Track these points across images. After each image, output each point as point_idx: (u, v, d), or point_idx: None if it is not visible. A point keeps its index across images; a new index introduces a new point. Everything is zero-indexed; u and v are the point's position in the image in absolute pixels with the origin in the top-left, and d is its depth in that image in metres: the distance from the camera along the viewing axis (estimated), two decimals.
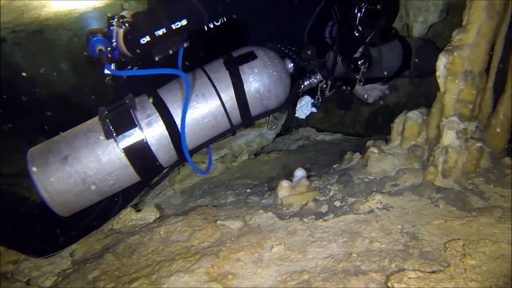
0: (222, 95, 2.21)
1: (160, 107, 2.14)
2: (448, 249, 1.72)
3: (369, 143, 2.70)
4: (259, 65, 2.27)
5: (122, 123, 2.07)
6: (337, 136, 4.20)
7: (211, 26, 2.32)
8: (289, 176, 2.54)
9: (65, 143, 2.08)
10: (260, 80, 2.25)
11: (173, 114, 2.15)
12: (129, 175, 2.14)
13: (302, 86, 2.54)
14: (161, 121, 2.12)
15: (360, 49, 2.69)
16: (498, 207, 1.96)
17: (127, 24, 2.19)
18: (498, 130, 2.32)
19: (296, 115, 2.74)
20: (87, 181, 2.05)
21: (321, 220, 2.12)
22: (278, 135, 4.42)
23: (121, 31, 2.19)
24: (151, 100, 2.16)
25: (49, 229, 2.30)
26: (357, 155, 2.78)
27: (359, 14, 2.43)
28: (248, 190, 2.90)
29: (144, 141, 2.09)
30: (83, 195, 2.09)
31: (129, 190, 2.34)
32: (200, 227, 2.29)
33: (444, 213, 2.00)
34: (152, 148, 2.11)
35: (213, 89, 2.20)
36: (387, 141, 2.72)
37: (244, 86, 2.23)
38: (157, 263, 2.07)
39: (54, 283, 2.16)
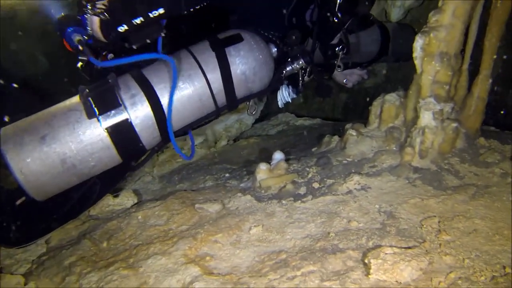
0: (208, 76, 2.18)
1: (145, 87, 2.09)
2: (424, 226, 1.74)
3: (347, 126, 2.70)
4: (245, 47, 2.26)
5: (106, 102, 2.00)
6: (316, 121, 4.21)
7: (191, 10, 2.27)
8: (268, 160, 2.53)
9: (43, 122, 1.98)
10: (246, 63, 2.24)
11: (159, 94, 2.09)
12: (111, 156, 2.07)
13: (285, 71, 2.54)
14: (146, 101, 2.06)
15: (338, 35, 2.69)
16: (472, 185, 1.99)
17: (104, 12, 2.11)
18: (473, 111, 2.35)
19: (278, 101, 2.75)
20: (67, 162, 1.96)
21: (300, 201, 2.12)
22: (257, 121, 4.40)
23: (96, 19, 2.12)
24: (135, 80, 2.10)
25: (24, 218, 2.24)
26: (336, 138, 2.79)
27: (339, 1, 2.42)
28: (227, 175, 2.88)
29: (129, 121, 2.03)
30: (61, 177, 2.00)
31: (109, 178, 2.29)
32: (178, 211, 2.27)
33: (421, 192, 2.02)
34: (136, 128, 2.06)
35: (199, 69, 2.17)
36: (365, 124, 2.73)
37: (230, 68, 2.22)
38: (134, 247, 2.04)
39: (28, 270, 2.11)
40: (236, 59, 2.23)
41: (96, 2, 2.15)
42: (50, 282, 1.96)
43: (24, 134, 1.94)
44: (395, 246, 1.58)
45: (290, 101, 2.84)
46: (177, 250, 1.89)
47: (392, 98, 2.59)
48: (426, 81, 2.30)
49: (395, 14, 3.81)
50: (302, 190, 2.25)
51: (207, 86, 2.18)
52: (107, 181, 2.44)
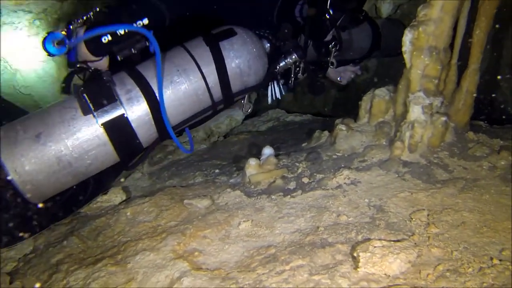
0: (204, 70, 2.16)
1: (140, 82, 2.06)
2: (413, 219, 1.74)
3: (337, 121, 2.70)
4: (238, 41, 2.25)
5: (101, 97, 1.96)
6: (307, 117, 4.20)
7: (176, 19, 2.26)
8: (257, 155, 2.52)
9: (37, 120, 1.94)
10: (241, 56, 2.23)
11: (155, 90, 2.06)
12: (107, 154, 2.03)
13: (278, 66, 2.54)
14: (142, 96, 2.03)
15: (331, 32, 2.68)
16: (461, 179, 1.99)
17: (87, 24, 2.08)
18: (462, 105, 2.36)
19: (268, 97, 2.74)
20: (62, 160, 1.91)
21: (289, 196, 2.11)
22: (247, 117, 4.38)
23: (81, 30, 2.09)
24: (130, 76, 2.07)
25: (11, 219, 2.21)
26: (326, 133, 2.78)
27: None
28: (217, 171, 2.87)
29: (125, 116, 1.99)
30: (57, 177, 1.95)
31: (102, 177, 2.26)
32: (167, 207, 2.25)
33: (410, 186, 2.02)
34: (133, 124, 2.02)
35: (194, 64, 2.15)
36: (355, 119, 2.73)
37: (225, 61, 2.20)
38: (123, 244, 2.02)
39: (14, 269, 2.08)
40: (230, 52, 2.22)
41: (81, 18, 2.12)
42: (37, 280, 1.93)
43: (18, 133, 1.89)
44: (384, 240, 1.58)
45: (280, 98, 2.84)
46: (166, 246, 1.88)
47: (381, 93, 2.59)
48: (416, 75, 2.30)
49: (386, 9, 3.82)
50: (292, 185, 2.24)
51: (202, 80, 2.16)
52: (100, 181, 2.41)
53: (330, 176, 2.20)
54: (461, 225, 1.65)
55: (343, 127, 2.55)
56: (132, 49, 2.09)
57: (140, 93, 2.04)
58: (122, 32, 2.04)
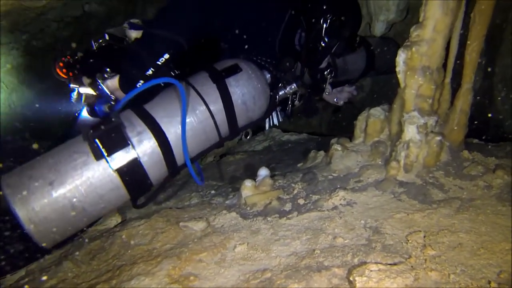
0: (212, 108, 2.17)
1: (149, 122, 2.06)
2: (410, 241, 1.72)
3: (333, 140, 2.71)
4: (244, 77, 2.27)
5: (113, 142, 1.95)
6: (303, 136, 4.21)
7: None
8: (253, 176, 2.51)
9: (48, 167, 1.90)
10: (247, 93, 2.26)
11: (164, 129, 2.07)
12: (120, 196, 2.02)
13: (278, 96, 2.57)
14: (153, 137, 2.03)
15: (326, 59, 2.72)
16: (457, 199, 1.99)
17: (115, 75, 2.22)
18: (456, 124, 2.37)
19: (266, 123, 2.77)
20: (77, 207, 1.89)
21: (285, 218, 2.10)
22: None
23: (113, 81, 2.20)
24: (138, 116, 2.09)
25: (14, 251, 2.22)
26: (321, 153, 2.78)
27: (324, 25, 2.46)
28: (213, 191, 2.86)
29: (138, 160, 1.99)
30: (72, 222, 1.94)
31: None
32: (162, 229, 2.23)
33: (406, 206, 2.01)
34: (145, 166, 2.02)
35: (202, 102, 2.16)
36: (351, 139, 2.74)
37: (232, 99, 2.23)
38: (118, 268, 2.00)
39: None
40: (236, 89, 2.24)
41: (105, 74, 2.24)
42: None
43: (30, 182, 1.85)
44: (380, 263, 1.57)
45: (278, 124, 2.87)
46: (161, 270, 1.85)
47: (377, 112, 2.60)
48: (410, 95, 2.31)
49: (379, 28, 3.85)
50: (288, 207, 2.23)
51: (211, 118, 2.18)
52: None
53: (326, 197, 2.19)
54: (458, 246, 1.64)
55: (339, 147, 2.55)
56: (162, 83, 2.18)
57: (150, 135, 2.03)
58: (150, 72, 2.16)
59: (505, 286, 1.39)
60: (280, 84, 2.60)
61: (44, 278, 2.06)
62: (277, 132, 4.42)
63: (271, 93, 2.50)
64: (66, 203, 1.87)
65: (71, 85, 2.55)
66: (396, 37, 4.01)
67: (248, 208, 2.31)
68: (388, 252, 1.67)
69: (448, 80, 2.40)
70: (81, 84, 2.42)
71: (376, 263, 1.57)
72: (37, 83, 4.92)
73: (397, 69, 2.33)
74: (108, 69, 2.26)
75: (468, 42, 2.29)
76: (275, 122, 2.79)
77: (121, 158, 1.94)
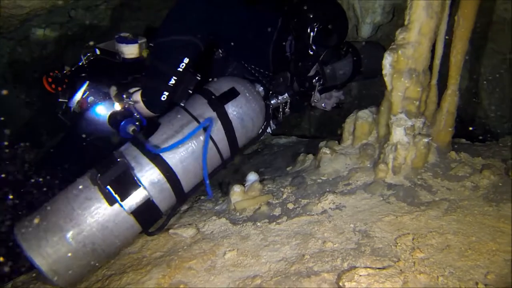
0: (214, 137, 2.19)
1: (155, 159, 2.05)
2: (399, 244, 1.73)
3: (321, 144, 2.71)
4: (242, 101, 2.28)
5: (124, 186, 1.96)
6: (292, 139, 4.20)
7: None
8: (242, 181, 2.51)
9: (63, 217, 1.92)
10: (246, 116, 2.28)
11: (170, 163, 2.07)
12: (134, 231, 2.08)
13: (271, 106, 2.61)
14: (161, 174, 2.04)
15: (314, 67, 2.74)
16: (445, 200, 2.00)
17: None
18: (443, 125, 2.39)
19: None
20: (96, 250, 1.94)
21: (274, 223, 2.10)
22: None
23: (138, 94, 2.20)
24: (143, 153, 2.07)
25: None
26: (310, 156, 2.78)
27: (312, 34, 2.47)
28: (202, 197, 2.84)
29: (150, 199, 2.01)
30: (92, 264, 1.99)
31: None
32: (152, 237, 2.21)
33: (395, 209, 2.02)
34: (156, 202, 2.05)
35: (203, 132, 2.16)
36: (339, 141, 2.74)
37: (233, 125, 2.25)
38: (107, 278, 1.98)
39: None
40: (236, 115, 2.26)
41: (129, 91, 2.24)
42: None
43: (48, 235, 1.88)
44: (369, 267, 1.57)
45: (271, 133, 2.88)
46: (151, 279, 1.84)
47: (364, 115, 2.61)
48: (397, 98, 2.32)
49: (366, 30, 3.87)
50: (277, 211, 2.23)
51: (214, 146, 2.20)
52: None
53: (315, 201, 2.19)
54: (446, 248, 1.65)
55: (327, 151, 2.56)
56: (190, 91, 2.24)
57: (158, 172, 2.04)
58: (173, 81, 2.15)
59: (492, 287, 1.40)
60: (271, 92, 2.64)
61: None
62: (266, 135, 4.41)
63: (266, 104, 2.54)
64: (86, 250, 1.92)
65: (60, 100, 2.55)
66: (383, 38, 4.03)
67: (238, 214, 2.30)
68: (377, 256, 1.68)
69: (434, 81, 2.42)
70: (70, 97, 2.42)
71: (365, 267, 1.57)
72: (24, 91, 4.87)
73: (384, 72, 2.34)
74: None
75: (453, 44, 2.32)
76: (268, 130, 2.80)
77: (134, 200, 1.97)
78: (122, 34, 2.57)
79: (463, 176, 2.19)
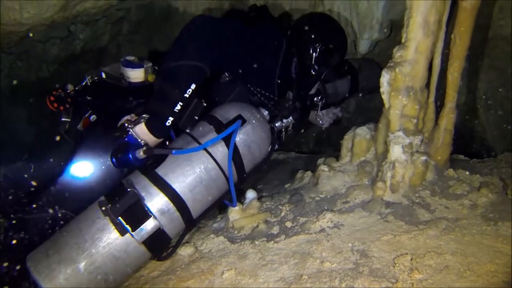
0: (223, 167, 2.17)
1: (165, 188, 2.04)
2: (397, 264, 1.72)
3: (319, 161, 2.71)
4: (249, 129, 2.26)
5: (135, 216, 1.96)
6: (291, 155, 4.22)
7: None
8: (240, 197, 2.50)
9: (75, 249, 1.91)
10: (253, 144, 2.27)
11: (179, 191, 2.06)
12: (145, 259, 2.08)
13: (276, 129, 2.59)
14: (171, 203, 2.03)
15: (316, 86, 2.76)
16: (443, 219, 2.00)
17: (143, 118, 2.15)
18: (441, 143, 2.39)
19: None
20: (108, 280, 1.94)
21: (273, 242, 2.09)
22: None
23: (140, 126, 2.13)
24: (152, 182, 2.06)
25: None
26: (309, 173, 2.79)
27: (314, 54, 2.49)
28: None
29: (161, 228, 2.01)
30: None
31: None
32: None
33: (393, 228, 2.01)
34: (166, 229, 2.04)
35: (212, 161, 2.15)
36: (337, 158, 2.75)
37: (240, 152, 2.23)
38: None
39: None
40: (243, 142, 2.24)
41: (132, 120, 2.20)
42: None
43: (61, 267, 1.87)
44: None
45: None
46: None
47: (362, 132, 2.62)
48: (394, 115, 2.33)
49: (363, 46, 3.89)
50: (275, 230, 2.22)
51: (223, 176, 2.19)
52: None
53: (313, 219, 2.19)
54: (444, 269, 1.64)
55: (325, 168, 2.56)
56: (196, 117, 2.19)
57: (169, 201, 2.03)
58: (179, 107, 2.11)
59: None
60: (278, 117, 2.63)
61: None
62: None
63: (271, 127, 2.53)
64: (98, 280, 1.91)
65: (63, 119, 2.54)
66: (381, 54, 4.06)
67: (236, 232, 2.30)
68: (375, 277, 1.67)
69: (432, 99, 2.43)
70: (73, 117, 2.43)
71: None
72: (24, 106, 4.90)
73: (381, 89, 2.35)
74: (132, 114, 2.23)
75: (450, 62, 2.33)
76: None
77: (145, 230, 1.96)
78: (128, 58, 2.57)
79: (461, 194, 2.19)
